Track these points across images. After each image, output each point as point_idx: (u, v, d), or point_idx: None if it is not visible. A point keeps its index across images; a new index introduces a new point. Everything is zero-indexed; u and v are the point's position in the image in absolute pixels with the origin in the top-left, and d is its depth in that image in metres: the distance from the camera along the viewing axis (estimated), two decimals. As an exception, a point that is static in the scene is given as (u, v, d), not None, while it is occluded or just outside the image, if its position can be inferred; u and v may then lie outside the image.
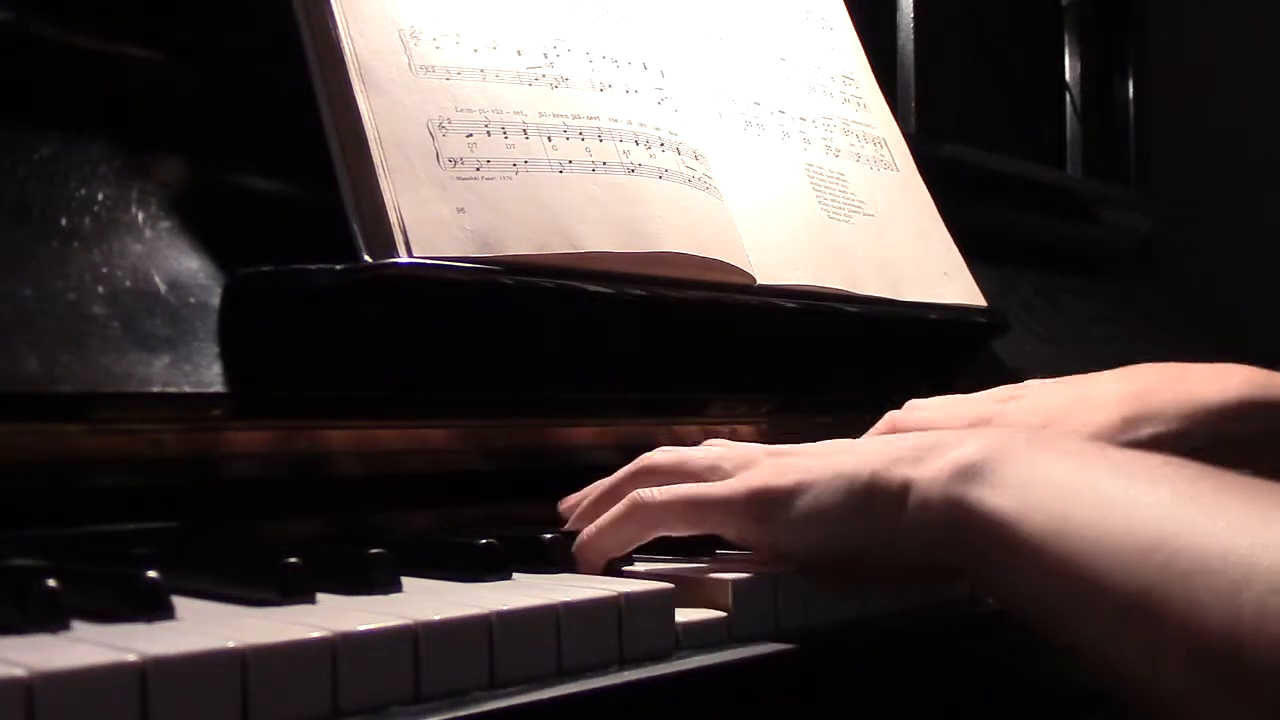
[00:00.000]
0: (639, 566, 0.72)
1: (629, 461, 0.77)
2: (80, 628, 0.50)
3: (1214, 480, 0.59)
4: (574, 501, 0.79)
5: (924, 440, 0.68)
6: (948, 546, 0.65)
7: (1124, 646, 0.57)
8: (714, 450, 0.76)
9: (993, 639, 0.76)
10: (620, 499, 0.73)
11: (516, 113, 0.86)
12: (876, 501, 0.67)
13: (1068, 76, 1.79)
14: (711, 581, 0.66)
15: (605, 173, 0.88)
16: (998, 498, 0.62)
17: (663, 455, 0.76)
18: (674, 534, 0.72)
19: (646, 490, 0.71)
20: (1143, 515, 0.58)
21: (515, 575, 0.66)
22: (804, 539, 0.69)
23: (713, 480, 0.72)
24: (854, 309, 1.03)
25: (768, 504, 0.69)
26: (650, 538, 0.71)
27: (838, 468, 0.69)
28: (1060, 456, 0.64)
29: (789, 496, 0.69)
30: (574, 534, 0.72)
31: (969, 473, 0.64)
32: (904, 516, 0.66)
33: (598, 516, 0.73)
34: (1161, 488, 0.59)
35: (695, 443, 0.80)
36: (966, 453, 0.64)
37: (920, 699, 0.73)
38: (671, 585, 0.63)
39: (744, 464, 0.72)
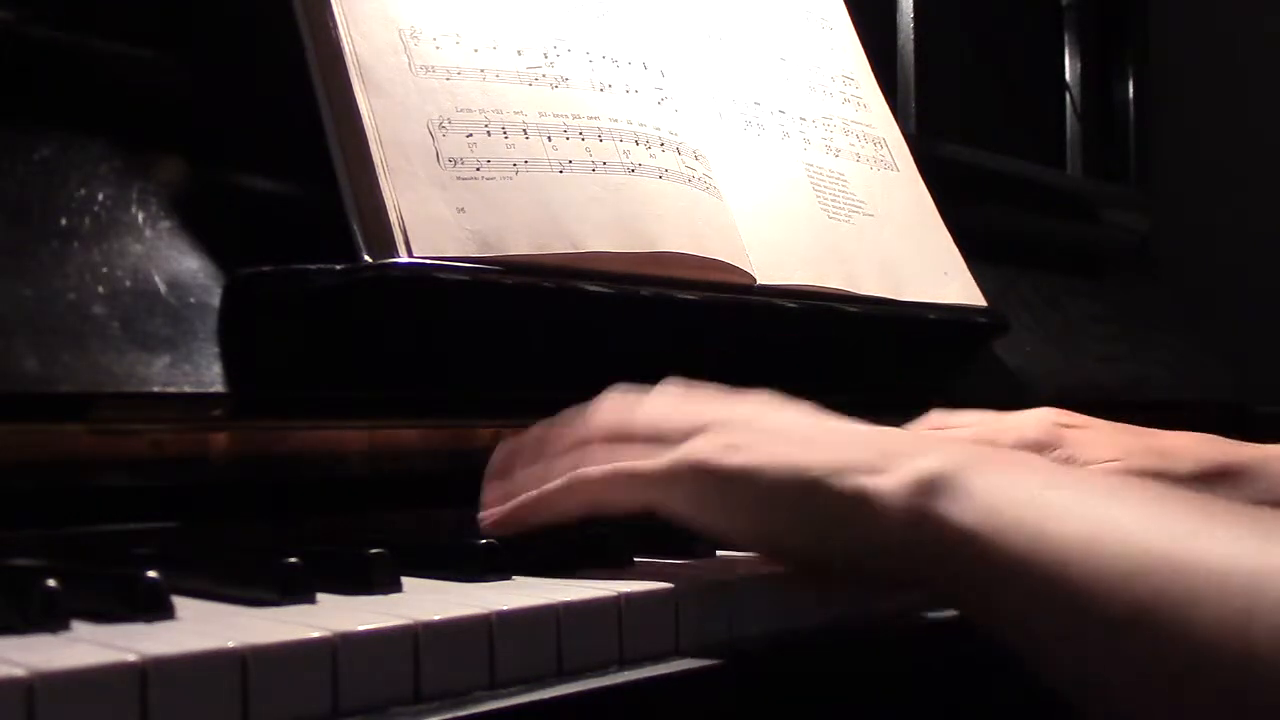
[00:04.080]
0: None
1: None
2: (80, 628, 0.50)
3: (1194, 500, 0.57)
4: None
5: (875, 442, 0.64)
6: (913, 562, 0.61)
7: (1116, 673, 0.55)
8: (660, 409, 0.71)
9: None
10: (559, 449, 0.71)
11: (516, 113, 0.86)
12: (826, 508, 0.63)
13: (1068, 76, 1.79)
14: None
15: (605, 173, 0.88)
16: (967, 513, 0.59)
17: (611, 421, 0.71)
18: (615, 511, 0.69)
19: (585, 469, 0.68)
20: (1128, 535, 0.55)
21: (515, 575, 0.66)
22: (746, 529, 0.66)
23: (657, 446, 0.68)
24: (854, 309, 1.03)
25: (707, 485, 0.65)
26: (588, 514, 0.69)
27: (789, 459, 0.64)
28: (1027, 470, 0.61)
29: (731, 482, 0.65)
30: (576, 538, 0.71)
31: (931, 487, 0.60)
32: (860, 527, 0.62)
33: (523, 466, 0.71)
34: (1144, 507, 0.57)
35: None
36: (928, 466, 0.61)
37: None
38: (673, 585, 0.63)
39: (690, 431, 0.68)
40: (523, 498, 0.70)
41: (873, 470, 0.62)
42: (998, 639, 0.61)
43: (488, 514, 0.72)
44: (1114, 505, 0.57)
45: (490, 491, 0.73)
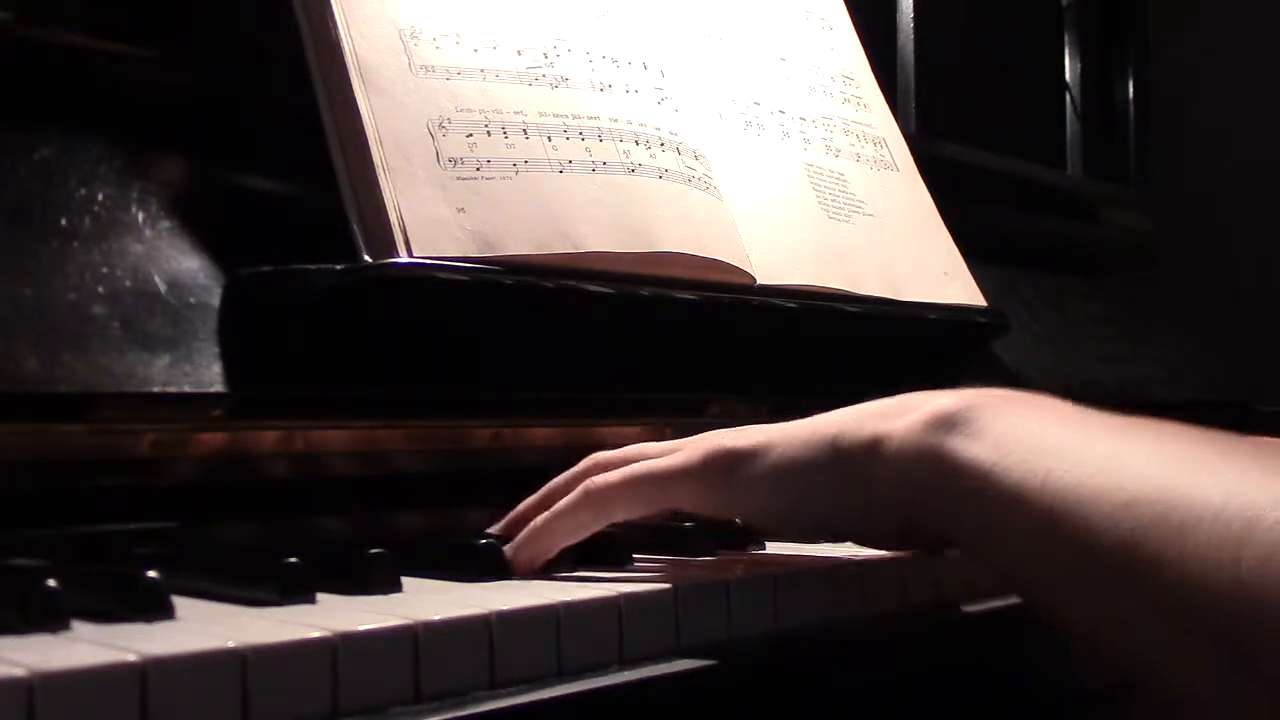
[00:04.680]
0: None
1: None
2: (80, 628, 0.50)
3: (1207, 437, 0.57)
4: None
5: (895, 399, 0.65)
6: (921, 499, 0.62)
7: (1110, 605, 0.55)
8: (669, 441, 0.74)
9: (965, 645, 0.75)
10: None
11: (516, 113, 0.86)
12: (844, 456, 0.64)
13: (1068, 76, 1.79)
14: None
15: (605, 173, 0.88)
16: (976, 448, 0.60)
17: (614, 451, 0.74)
18: (632, 517, 0.69)
19: (600, 475, 0.69)
20: (1133, 469, 0.55)
21: (515, 575, 0.67)
22: (767, 500, 0.67)
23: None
24: (854, 309, 1.03)
25: (727, 465, 0.67)
26: (606, 524, 0.69)
27: (803, 428, 0.66)
28: (1043, 411, 0.61)
29: (750, 456, 0.66)
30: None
31: (945, 423, 0.61)
32: (874, 470, 0.63)
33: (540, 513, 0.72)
34: (1152, 443, 0.57)
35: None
36: (942, 404, 0.62)
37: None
38: (673, 585, 0.63)
39: (703, 439, 0.70)
40: (535, 522, 0.69)
41: (886, 417, 0.64)
42: (995, 577, 0.62)
43: (509, 549, 0.69)
44: (1120, 442, 0.57)
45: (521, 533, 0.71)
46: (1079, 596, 0.56)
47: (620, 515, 0.69)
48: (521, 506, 0.75)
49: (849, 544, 0.73)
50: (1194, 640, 0.52)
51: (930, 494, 0.62)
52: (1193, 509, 0.52)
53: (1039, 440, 0.59)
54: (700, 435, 0.71)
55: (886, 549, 0.72)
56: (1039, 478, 0.57)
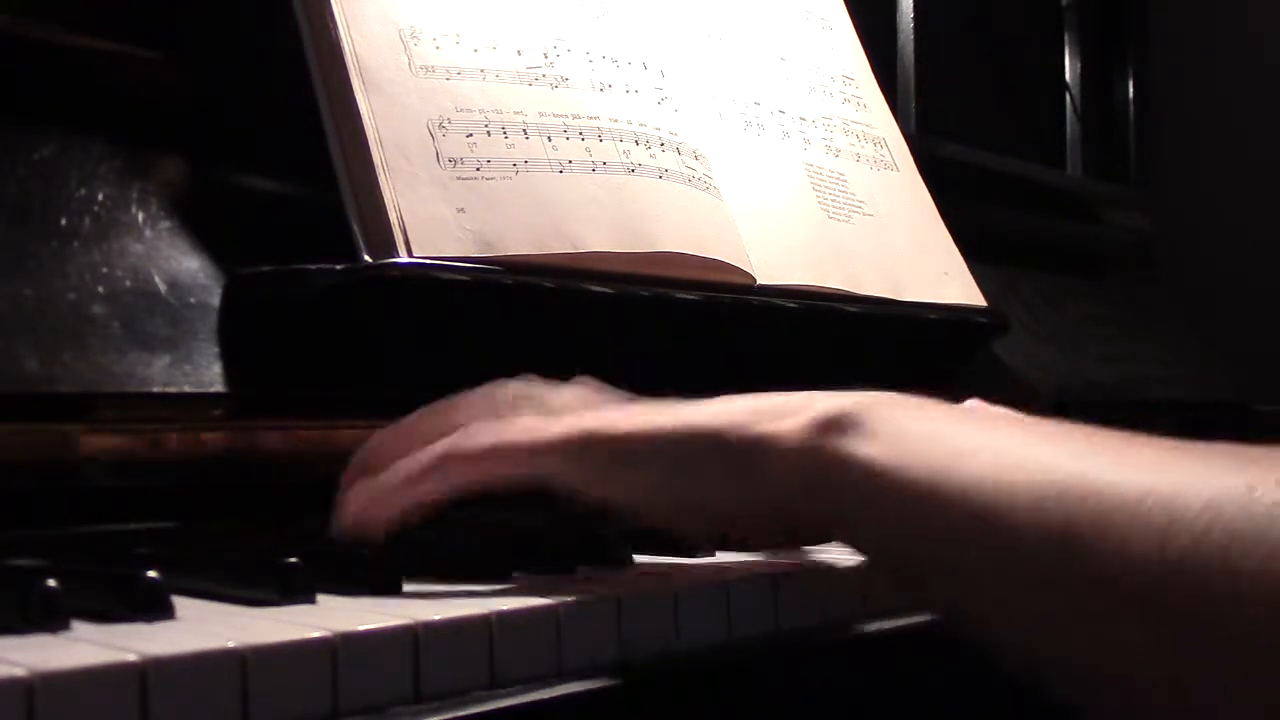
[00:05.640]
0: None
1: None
2: (80, 628, 0.50)
3: (1109, 434, 0.55)
4: None
5: (781, 396, 0.63)
6: (813, 503, 0.60)
7: (1038, 601, 0.53)
8: (551, 389, 0.69)
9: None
10: (433, 435, 0.65)
11: (516, 113, 0.86)
12: (731, 456, 0.61)
13: (1068, 76, 1.79)
14: None
15: (605, 173, 0.88)
16: (871, 448, 0.57)
17: (490, 393, 0.68)
18: (496, 487, 0.65)
19: (460, 444, 0.63)
20: (1043, 462, 0.53)
21: (514, 576, 0.66)
22: (649, 492, 0.64)
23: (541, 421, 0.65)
24: (854, 309, 1.03)
25: (602, 452, 0.63)
26: (462, 491, 0.64)
27: (687, 419, 0.63)
28: (932, 410, 0.59)
29: (630, 444, 0.63)
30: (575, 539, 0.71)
31: (835, 425, 0.59)
32: (763, 473, 0.60)
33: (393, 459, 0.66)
34: (1053, 440, 0.55)
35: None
36: (830, 405, 0.59)
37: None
38: (673, 585, 0.63)
39: (581, 407, 0.67)
40: (384, 482, 0.64)
41: (776, 418, 0.61)
42: (891, 576, 0.60)
43: (345, 513, 0.65)
44: (1021, 438, 0.56)
45: (352, 490, 0.66)
46: (1002, 595, 0.54)
47: (483, 487, 0.64)
48: (375, 439, 0.69)
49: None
50: (1120, 626, 0.50)
51: (822, 497, 0.59)
52: (1111, 500, 0.51)
53: (936, 436, 0.57)
54: (584, 403, 0.67)
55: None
56: (941, 473, 0.55)
